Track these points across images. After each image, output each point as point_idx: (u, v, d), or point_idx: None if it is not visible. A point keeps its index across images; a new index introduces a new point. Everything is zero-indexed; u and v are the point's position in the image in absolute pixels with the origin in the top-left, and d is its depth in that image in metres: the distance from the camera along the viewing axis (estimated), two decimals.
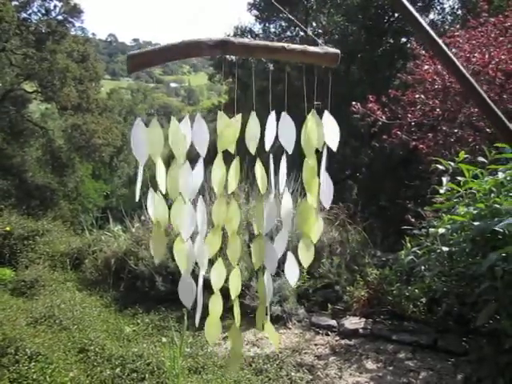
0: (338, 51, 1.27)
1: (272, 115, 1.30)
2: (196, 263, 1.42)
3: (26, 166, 18.13)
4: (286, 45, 1.25)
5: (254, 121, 1.29)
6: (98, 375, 3.17)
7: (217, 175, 1.29)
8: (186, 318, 3.11)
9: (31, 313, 4.06)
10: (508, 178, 2.89)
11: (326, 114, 1.33)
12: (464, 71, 0.74)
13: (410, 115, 5.57)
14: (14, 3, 17.08)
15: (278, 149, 1.37)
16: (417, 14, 0.71)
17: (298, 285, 4.21)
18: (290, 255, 1.43)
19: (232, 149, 1.29)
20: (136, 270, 4.96)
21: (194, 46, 1.20)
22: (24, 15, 18.17)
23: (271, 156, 1.33)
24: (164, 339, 3.56)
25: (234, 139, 1.27)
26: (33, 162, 18.86)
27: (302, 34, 13.68)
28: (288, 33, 13.89)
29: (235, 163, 1.31)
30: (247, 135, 1.28)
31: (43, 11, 18.31)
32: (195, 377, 3.14)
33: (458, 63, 0.72)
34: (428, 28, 0.71)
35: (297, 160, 1.58)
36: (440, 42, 0.73)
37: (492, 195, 2.87)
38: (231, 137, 1.26)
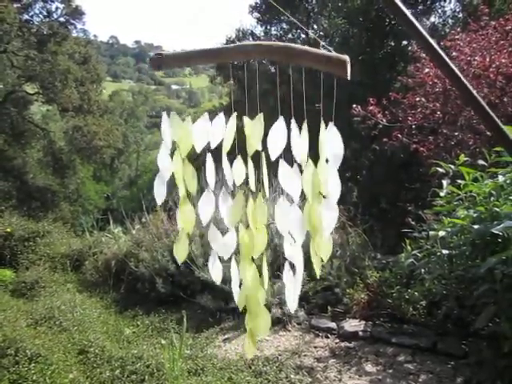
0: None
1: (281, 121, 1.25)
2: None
3: (27, 168, 18.14)
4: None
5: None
6: (97, 376, 3.18)
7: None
8: (185, 319, 3.11)
9: (31, 314, 4.07)
10: (508, 182, 2.90)
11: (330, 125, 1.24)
12: (455, 68, 0.74)
13: (410, 118, 5.58)
14: (15, 5, 17.13)
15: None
16: (409, 14, 0.72)
17: None
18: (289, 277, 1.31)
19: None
20: (136, 272, 4.97)
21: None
22: (26, 17, 18.21)
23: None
24: (163, 341, 3.57)
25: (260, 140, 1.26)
26: (34, 163, 18.88)
27: (303, 36, 13.71)
28: (290, 35, 13.91)
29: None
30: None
31: (45, 13, 18.36)
32: (195, 379, 3.14)
33: (452, 66, 0.73)
34: (416, 23, 0.72)
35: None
36: (429, 38, 0.73)
37: (492, 198, 2.87)
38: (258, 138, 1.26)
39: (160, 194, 1.35)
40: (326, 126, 1.27)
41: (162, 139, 1.33)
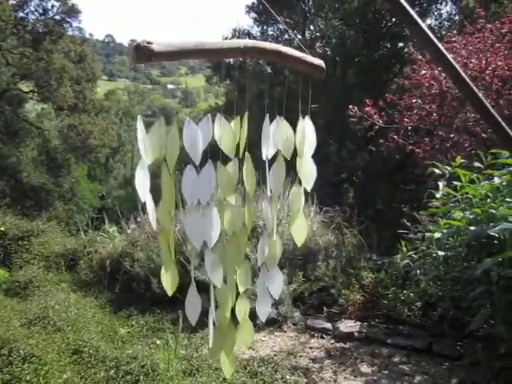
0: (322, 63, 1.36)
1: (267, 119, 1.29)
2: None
3: (22, 166, 18.04)
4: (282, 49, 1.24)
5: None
6: (92, 377, 3.16)
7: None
8: (181, 320, 3.10)
9: (25, 314, 4.03)
10: (504, 183, 2.91)
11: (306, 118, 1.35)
12: (459, 69, 0.74)
13: (406, 119, 5.60)
14: (11, 2, 17.06)
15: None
16: (413, 13, 0.71)
17: (293, 288, 4.21)
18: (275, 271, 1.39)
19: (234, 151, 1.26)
20: (131, 272, 4.95)
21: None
22: (21, 14, 18.16)
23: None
24: (158, 341, 3.55)
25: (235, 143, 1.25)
26: (28, 162, 18.77)
27: (299, 36, 13.73)
28: (286, 36, 13.93)
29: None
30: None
31: (40, 11, 18.32)
32: (189, 379, 3.13)
33: (456, 65, 0.72)
34: (422, 23, 0.71)
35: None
36: (437, 42, 0.73)
37: (488, 200, 2.88)
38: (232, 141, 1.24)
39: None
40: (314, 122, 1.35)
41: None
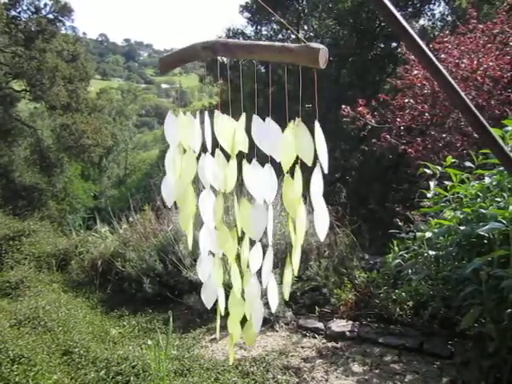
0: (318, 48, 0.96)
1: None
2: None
3: (14, 166, 17.91)
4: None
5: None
6: (82, 378, 3.14)
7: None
8: (171, 320, 3.09)
9: (15, 314, 4.01)
10: (494, 183, 2.92)
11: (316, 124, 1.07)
12: (438, 64, 0.73)
13: (399, 119, 5.61)
14: (2, 1, 16.93)
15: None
16: (399, 15, 0.71)
17: None
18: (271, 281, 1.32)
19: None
20: (123, 272, 4.93)
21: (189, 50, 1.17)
22: (13, 13, 18.00)
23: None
24: (150, 341, 3.54)
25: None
26: (21, 161, 18.64)
27: (293, 36, 13.72)
28: (280, 35, 13.91)
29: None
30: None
31: (33, 9, 18.18)
32: (181, 379, 3.12)
33: (442, 69, 0.72)
34: (401, 18, 0.70)
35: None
36: (413, 33, 0.72)
37: (478, 200, 2.90)
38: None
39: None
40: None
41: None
